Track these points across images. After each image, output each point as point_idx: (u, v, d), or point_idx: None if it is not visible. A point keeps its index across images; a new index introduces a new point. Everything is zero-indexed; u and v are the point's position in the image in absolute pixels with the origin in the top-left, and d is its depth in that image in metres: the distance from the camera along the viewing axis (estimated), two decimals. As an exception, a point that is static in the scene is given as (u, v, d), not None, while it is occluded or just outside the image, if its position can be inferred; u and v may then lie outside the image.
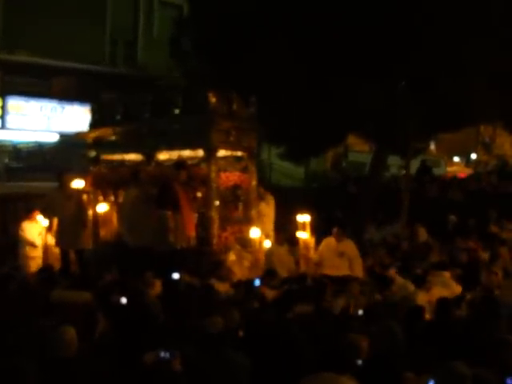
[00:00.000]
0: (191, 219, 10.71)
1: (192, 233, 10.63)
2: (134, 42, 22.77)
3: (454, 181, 19.85)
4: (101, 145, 12.01)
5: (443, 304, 7.07)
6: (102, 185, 11.97)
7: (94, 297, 7.58)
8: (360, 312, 7.29)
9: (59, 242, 11.27)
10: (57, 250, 11.33)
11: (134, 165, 11.72)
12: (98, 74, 20.03)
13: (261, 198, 11.71)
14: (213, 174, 10.62)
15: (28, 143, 20.54)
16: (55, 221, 11.34)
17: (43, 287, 8.22)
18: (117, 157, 12.17)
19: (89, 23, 20.27)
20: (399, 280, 9.43)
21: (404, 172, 16.74)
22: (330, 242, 10.90)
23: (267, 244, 10.83)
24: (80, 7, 19.99)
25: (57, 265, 10.89)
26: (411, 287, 9.12)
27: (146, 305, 6.97)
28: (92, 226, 11.52)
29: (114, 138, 11.77)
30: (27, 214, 11.84)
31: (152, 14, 22.86)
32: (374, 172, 16.42)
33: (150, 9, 22.88)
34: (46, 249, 11.39)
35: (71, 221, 11.14)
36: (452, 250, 11.93)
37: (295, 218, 10.99)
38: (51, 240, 11.41)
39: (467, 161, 31.17)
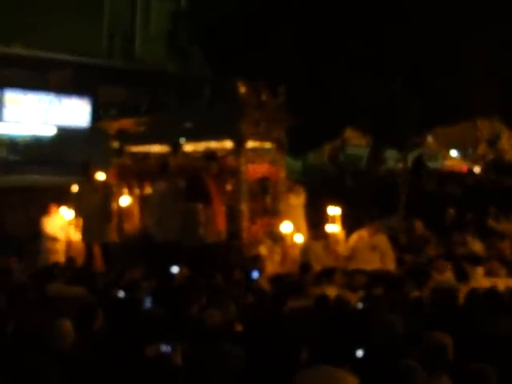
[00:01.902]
0: (221, 213, 10.46)
1: (222, 227, 10.40)
2: (131, 36, 22.72)
3: (452, 175, 19.87)
4: (124, 136, 11.70)
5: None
6: (127, 177, 11.68)
7: (93, 291, 7.60)
8: (359, 305, 7.25)
9: (83, 235, 11.15)
10: (81, 244, 11.20)
11: (161, 156, 11.42)
12: (95, 67, 19.99)
13: (290, 190, 11.46)
14: (242, 167, 10.41)
15: (25, 136, 20.51)
16: (80, 214, 11.23)
17: (40, 281, 8.24)
18: (141, 148, 11.87)
19: (86, 16, 20.21)
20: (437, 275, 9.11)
21: (401, 165, 16.75)
22: (362, 235, 10.70)
23: (298, 238, 10.59)
24: (77, 0, 19.93)
25: (80, 259, 10.82)
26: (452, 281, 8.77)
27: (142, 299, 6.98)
28: (116, 219, 11.30)
29: (138, 128, 11.46)
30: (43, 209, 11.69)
31: (149, 8, 22.80)
32: (371, 165, 16.44)
33: (148, 2, 22.81)
34: (69, 243, 11.33)
35: (96, 214, 10.99)
36: (449, 244, 11.94)
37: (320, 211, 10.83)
38: (75, 234, 11.33)
39: (465, 155, 31.13)
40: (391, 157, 21.14)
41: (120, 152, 11.81)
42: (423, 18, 12.99)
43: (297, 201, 11.54)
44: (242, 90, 10.39)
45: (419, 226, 13.65)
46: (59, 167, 18.29)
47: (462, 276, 8.81)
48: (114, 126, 11.86)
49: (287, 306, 7.03)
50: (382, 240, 10.71)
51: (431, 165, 21.15)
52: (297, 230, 10.77)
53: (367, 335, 5.45)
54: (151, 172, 11.34)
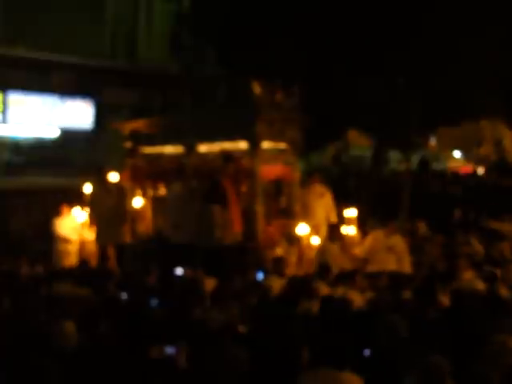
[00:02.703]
0: (238, 214, 10.38)
1: (239, 229, 10.32)
2: (134, 37, 22.71)
3: (457, 176, 19.86)
4: (138, 137, 11.61)
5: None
6: (140, 178, 11.63)
7: (98, 293, 7.60)
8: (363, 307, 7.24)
9: (98, 237, 11.10)
10: (94, 246, 11.16)
11: (175, 157, 11.34)
12: (98, 69, 19.99)
13: (308, 190, 11.34)
14: (257, 168, 10.34)
15: (29, 138, 20.51)
16: (94, 215, 11.19)
17: (45, 281, 8.25)
18: (155, 149, 11.76)
19: (89, 18, 20.21)
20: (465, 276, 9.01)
21: (404, 166, 16.74)
22: (377, 236, 10.56)
23: (314, 240, 10.42)
24: (79, 2, 19.94)
25: (93, 260, 10.79)
26: (480, 284, 8.62)
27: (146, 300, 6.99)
28: (130, 221, 11.24)
29: (152, 129, 11.38)
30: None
31: (152, 9, 22.79)
32: (374, 166, 16.43)
33: (151, 3, 22.81)
34: (82, 244, 11.25)
35: (110, 215, 10.97)
36: (453, 244, 11.92)
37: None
38: (89, 235, 11.27)
39: (468, 156, 31.11)
40: (394, 158, 21.13)
41: (133, 153, 11.74)
42: (426, 17, 12.98)
43: (316, 201, 11.41)
44: (257, 90, 10.30)
45: (422, 226, 13.63)
46: (62, 169, 18.29)
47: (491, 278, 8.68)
48: (127, 127, 11.78)
49: (300, 308, 6.99)
50: (399, 241, 10.55)
51: (434, 166, 21.12)
52: (315, 230, 10.62)
53: (371, 336, 5.45)
54: (165, 173, 11.26)
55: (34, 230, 13.65)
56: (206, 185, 10.43)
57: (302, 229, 10.30)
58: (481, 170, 23.79)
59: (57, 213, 11.65)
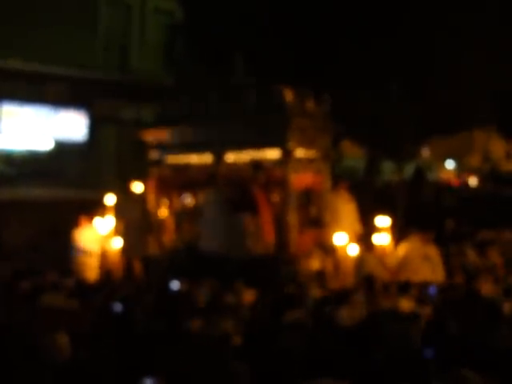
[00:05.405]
0: (270, 224, 10.17)
1: (271, 238, 10.12)
2: (127, 48, 22.73)
3: (449, 187, 19.90)
4: (164, 146, 11.33)
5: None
6: (167, 188, 11.39)
7: (89, 305, 7.56)
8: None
9: (124, 248, 10.92)
10: (118, 258, 11.00)
11: (204, 167, 11.08)
12: (91, 80, 19.98)
13: (335, 196, 11.11)
14: (290, 176, 10.19)
15: (22, 150, 20.44)
16: (120, 226, 11.03)
17: (34, 292, 8.20)
18: (181, 159, 11.46)
19: (82, 30, 20.22)
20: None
21: (397, 177, 16.77)
22: (413, 244, 10.35)
23: (352, 250, 10.12)
24: (72, 14, 19.95)
25: (117, 272, 10.60)
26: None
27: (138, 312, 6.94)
28: (156, 232, 11.07)
29: (179, 138, 11.12)
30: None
31: (145, 21, 22.83)
32: (367, 177, 16.45)
33: (143, 15, 22.84)
34: (104, 256, 11.09)
35: (136, 226, 10.85)
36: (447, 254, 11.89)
37: None
38: (112, 247, 11.06)
39: (460, 166, 31.17)
40: (387, 168, 21.16)
41: (159, 163, 11.50)
42: (419, 28, 13.03)
43: (344, 208, 11.17)
44: (289, 97, 10.12)
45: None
46: (56, 180, 18.23)
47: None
48: (152, 135, 11.50)
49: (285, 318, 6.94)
50: (434, 250, 10.41)
51: (427, 176, 21.17)
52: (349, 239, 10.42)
53: (367, 348, 5.41)
54: (194, 183, 11.06)
55: (26, 241, 13.58)
56: (237, 194, 10.26)
57: (338, 239, 10.08)
58: (473, 181, 23.82)
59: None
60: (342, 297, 7.75)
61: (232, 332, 6.24)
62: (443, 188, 19.59)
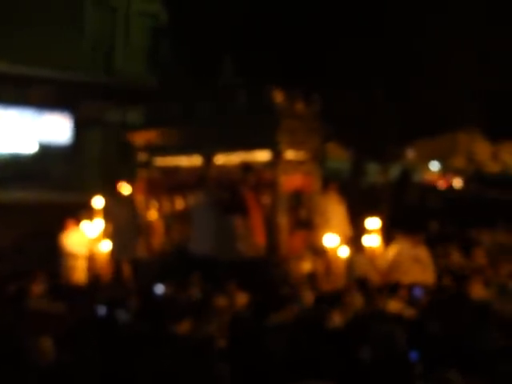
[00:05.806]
0: (260, 226, 10.14)
1: (261, 241, 10.10)
2: (112, 51, 22.67)
3: (434, 189, 19.98)
4: (153, 148, 11.28)
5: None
6: (155, 191, 11.35)
7: (74, 308, 7.53)
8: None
9: (113, 251, 10.88)
10: (106, 260, 10.94)
11: (193, 169, 11.06)
12: (76, 83, 19.91)
13: (325, 198, 11.06)
14: (280, 178, 10.15)
15: (6, 153, 20.32)
16: (109, 229, 10.97)
17: (18, 296, 8.16)
18: (170, 161, 11.43)
19: (67, 32, 20.14)
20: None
21: (382, 179, 16.81)
22: (403, 247, 10.35)
23: (342, 252, 10.10)
24: (58, 16, 19.87)
25: (105, 275, 10.53)
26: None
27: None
28: (145, 235, 11.04)
29: (168, 140, 11.05)
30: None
31: (130, 23, 22.78)
32: (352, 179, 16.47)
33: (128, 18, 22.79)
34: (92, 259, 11.01)
35: (125, 228, 10.79)
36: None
37: None
38: (100, 249, 11.01)
39: (444, 167, 31.30)
40: (372, 170, 21.21)
41: (148, 165, 11.45)
42: (403, 30, 13.08)
43: (334, 209, 11.13)
44: (279, 98, 10.07)
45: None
46: (40, 183, 18.13)
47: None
48: (141, 136, 11.44)
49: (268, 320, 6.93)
50: (425, 252, 10.41)
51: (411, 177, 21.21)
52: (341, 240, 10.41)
53: (352, 349, 5.42)
54: (183, 185, 11.01)
55: (11, 244, 13.49)
56: (227, 196, 10.23)
57: (329, 240, 10.07)
58: (457, 182, 23.92)
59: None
60: (334, 299, 7.77)
61: (216, 335, 6.24)
62: (428, 189, 19.66)
